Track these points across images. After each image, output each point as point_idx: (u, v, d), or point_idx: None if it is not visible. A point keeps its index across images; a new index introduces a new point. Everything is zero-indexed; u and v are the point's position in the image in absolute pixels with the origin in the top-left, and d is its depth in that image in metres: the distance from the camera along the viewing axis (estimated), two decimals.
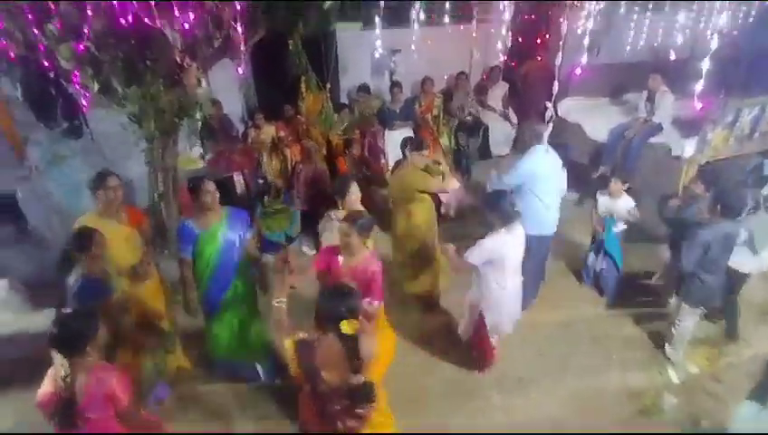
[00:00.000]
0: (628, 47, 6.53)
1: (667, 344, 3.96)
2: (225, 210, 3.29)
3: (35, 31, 3.46)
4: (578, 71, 4.25)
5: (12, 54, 3.68)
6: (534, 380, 3.79)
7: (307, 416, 2.33)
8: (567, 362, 3.98)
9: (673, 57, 4.89)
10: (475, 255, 3.25)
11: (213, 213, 3.20)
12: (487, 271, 3.31)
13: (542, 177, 3.88)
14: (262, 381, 3.68)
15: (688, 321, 3.77)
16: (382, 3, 4.10)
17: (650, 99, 5.67)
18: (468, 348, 3.87)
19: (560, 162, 4.09)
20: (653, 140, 5.63)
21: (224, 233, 3.20)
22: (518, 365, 3.88)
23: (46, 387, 2.14)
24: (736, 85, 6.53)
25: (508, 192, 3.36)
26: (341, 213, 3.36)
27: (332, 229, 3.31)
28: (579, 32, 3.84)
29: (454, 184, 4.42)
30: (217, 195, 3.19)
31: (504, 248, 3.22)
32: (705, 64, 2.95)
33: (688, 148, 5.27)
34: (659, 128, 5.59)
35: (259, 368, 3.68)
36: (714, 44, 3.02)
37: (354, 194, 3.48)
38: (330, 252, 3.03)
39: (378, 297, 2.87)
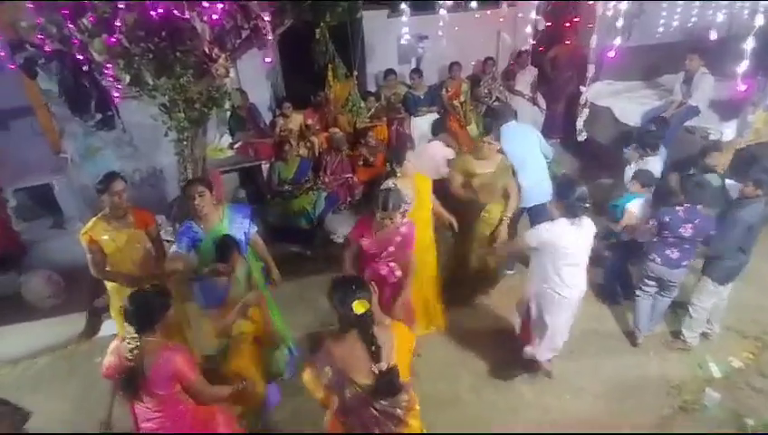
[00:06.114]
0: (661, 28, 6.29)
1: (684, 329, 3.83)
2: (225, 209, 3.27)
3: (70, 25, 3.52)
4: (611, 54, 4.13)
5: (47, 49, 3.75)
6: (566, 378, 3.68)
7: None
8: (600, 358, 3.86)
9: (713, 37, 4.69)
10: (532, 235, 3.17)
11: (212, 214, 3.17)
12: (544, 267, 3.14)
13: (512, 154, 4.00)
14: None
15: (708, 301, 3.68)
16: None
17: (687, 81, 5.44)
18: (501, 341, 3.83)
19: (529, 132, 4.35)
20: (690, 123, 5.43)
21: (224, 232, 3.14)
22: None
23: (111, 359, 2.29)
24: None
25: (580, 184, 3.16)
26: (401, 180, 3.51)
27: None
28: (609, 14, 3.68)
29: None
30: (206, 197, 3.10)
31: (563, 237, 3.04)
32: (749, 44, 2.81)
33: (728, 131, 5.07)
34: (696, 111, 5.37)
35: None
36: (758, 22, 2.85)
37: (411, 162, 3.60)
38: (365, 225, 3.20)
39: (412, 249, 3.19)
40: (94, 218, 3.26)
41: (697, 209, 3.44)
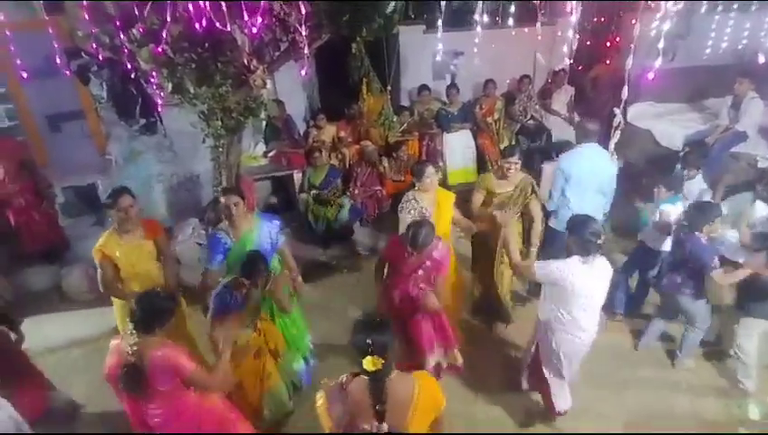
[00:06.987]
0: (709, 50, 6.09)
1: (740, 377, 3.61)
2: (256, 218, 3.34)
3: (121, 36, 3.74)
4: (650, 75, 4.02)
5: (100, 57, 4.00)
6: (589, 404, 3.51)
7: None
8: (626, 388, 3.69)
9: (761, 60, 4.51)
10: (540, 270, 2.92)
11: (243, 223, 3.23)
12: (553, 302, 2.96)
13: (573, 177, 3.87)
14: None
15: (751, 341, 3.47)
16: (443, 4, 4.06)
17: (735, 105, 5.24)
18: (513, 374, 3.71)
19: (607, 163, 3.93)
20: (736, 149, 5.22)
21: (254, 241, 3.19)
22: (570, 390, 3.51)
23: (111, 359, 2.33)
24: None
25: (594, 219, 2.95)
26: (420, 194, 3.60)
27: (413, 209, 3.57)
28: (652, 33, 3.58)
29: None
30: (240, 207, 3.17)
31: (574, 278, 2.80)
32: None
33: None
34: (743, 136, 5.17)
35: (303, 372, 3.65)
36: None
37: (429, 177, 3.61)
38: (399, 244, 3.17)
39: (444, 273, 3.22)
40: (105, 234, 3.27)
41: (696, 236, 3.33)
